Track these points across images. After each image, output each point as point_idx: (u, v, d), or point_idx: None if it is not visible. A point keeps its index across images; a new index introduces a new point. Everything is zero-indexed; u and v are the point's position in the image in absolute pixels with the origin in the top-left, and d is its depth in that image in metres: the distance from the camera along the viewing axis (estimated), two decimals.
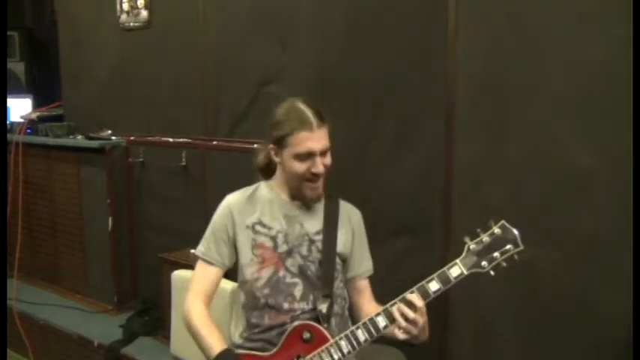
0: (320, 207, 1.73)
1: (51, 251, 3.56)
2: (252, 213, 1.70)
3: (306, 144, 1.58)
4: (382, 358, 1.84)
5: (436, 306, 2.19)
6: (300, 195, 1.69)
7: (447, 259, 2.14)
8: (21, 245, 3.49)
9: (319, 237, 1.69)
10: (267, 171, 1.75)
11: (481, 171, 2.08)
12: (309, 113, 1.59)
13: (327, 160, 1.63)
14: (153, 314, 2.99)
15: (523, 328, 2.04)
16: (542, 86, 1.91)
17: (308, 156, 1.59)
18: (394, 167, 2.28)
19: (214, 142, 2.89)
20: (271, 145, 1.66)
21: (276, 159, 1.67)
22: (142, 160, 3.21)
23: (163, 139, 3.12)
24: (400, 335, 1.49)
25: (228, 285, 2.09)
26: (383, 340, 1.88)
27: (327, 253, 1.67)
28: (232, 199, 1.74)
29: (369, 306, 1.74)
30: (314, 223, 1.70)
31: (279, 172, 1.72)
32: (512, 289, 2.05)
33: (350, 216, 1.76)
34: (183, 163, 2.99)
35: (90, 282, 3.39)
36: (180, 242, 2.76)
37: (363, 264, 1.77)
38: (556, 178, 1.93)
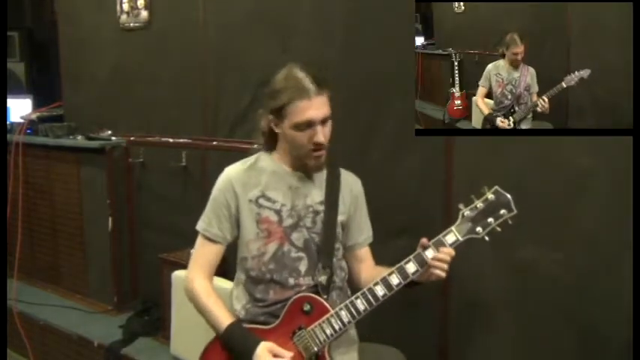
0: (322, 176, 1.70)
1: (51, 251, 3.55)
2: (255, 185, 1.66)
3: (305, 113, 1.52)
4: (382, 358, 1.84)
5: (436, 305, 2.21)
6: (302, 165, 1.65)
7: None
8: (21, 245, 3.49)
9: (322, 207, 1.66)
10: (271, 139, 1.69)
11: (481, 171, 2.08)
12: (307, 80, 1.53)
13: (328, 129, 1.58)
14: (153, 314, 2.99)
15: (524, 326, 2.04)
16: None
17: (308, 125, 1.54)
18: (394, 167, 2.28)
19: (214, 142, 2.89)
20: (270, 116, 1.61)
21: (277, 129, 1.62)
22: (142, 160, 3.20)
23: (163, 139, 3.12)
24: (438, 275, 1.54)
25: (228, 285, 2.08)
26: (383, 340, 1.88)
27: (329, 223, 1.66)
28: (233, 172, 1.69)
29: (372, 272, 1.73)
30: (317, 194, 1.67)
31: (280, 143, 1.67)
32: (513, 288, 2.05)
33: (351, 185, 1.74)
34: (184, 164, 2.99)
35: (90, 282, 3.39)
36: (180, 242, 2.75)
37: (363, 232, 1.77)
38: (556, 178, 1.93)
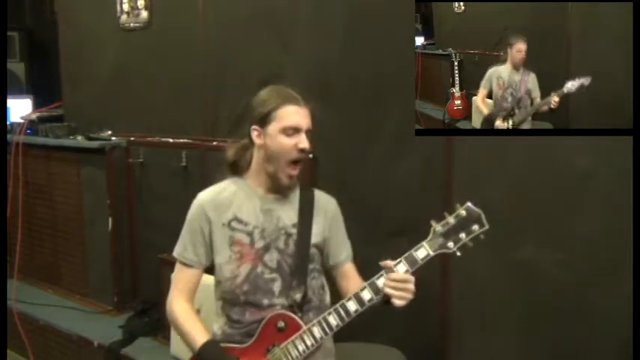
0: (295, 198, 1.71)
1: (51, 251, 3.55)
2: (227, 209, 1.68)
3: (294, 117, 1.59)
4: (382, 358, 1.84)
5: (436, 305, 2.21)
6: (275, 186, 1.67)
7: (446, 260, 2.15)
8: (21, 245, 3.49)
9: (295, 229, 1.68)
10: (237, 167, 1.73)
11: (481, 171, 2.08)
12: (293, 92, 1.63)
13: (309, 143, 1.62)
14: (153, 315, 2.99)
15: (523, 327, 2.04)
16: None
17: (295, 130, 1.59)
18: (394, 167, 2.28)
19: (214, 142, 2.89)
20: (254, 126, 1.64)
21: (258, 141, 1.64)
22: (141, 160, 3.20)
23: (163, 139, 3.12)
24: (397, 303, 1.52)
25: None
26: (383, 340, 1.88)
27: (302, 243, 1.67)
28: (204, 198, 1.72)
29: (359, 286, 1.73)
30: (290, 215, 1.69)
31: (255, 164, 1.69)
32: (513, 289, 2.05)
33: (325, 205, 1.74)
34: (184, 164, 2.99)
35: (90, 282, 3.39)
36: None
37: (342, 251, 1.77)
38: (556, 178, 1.93)
